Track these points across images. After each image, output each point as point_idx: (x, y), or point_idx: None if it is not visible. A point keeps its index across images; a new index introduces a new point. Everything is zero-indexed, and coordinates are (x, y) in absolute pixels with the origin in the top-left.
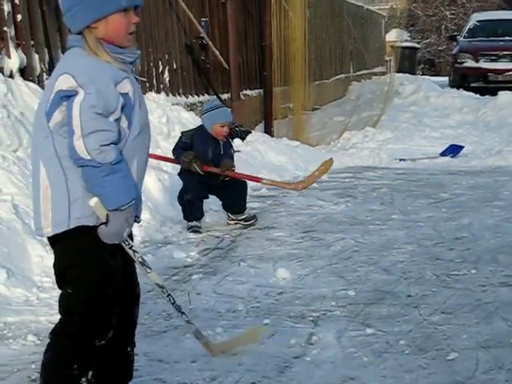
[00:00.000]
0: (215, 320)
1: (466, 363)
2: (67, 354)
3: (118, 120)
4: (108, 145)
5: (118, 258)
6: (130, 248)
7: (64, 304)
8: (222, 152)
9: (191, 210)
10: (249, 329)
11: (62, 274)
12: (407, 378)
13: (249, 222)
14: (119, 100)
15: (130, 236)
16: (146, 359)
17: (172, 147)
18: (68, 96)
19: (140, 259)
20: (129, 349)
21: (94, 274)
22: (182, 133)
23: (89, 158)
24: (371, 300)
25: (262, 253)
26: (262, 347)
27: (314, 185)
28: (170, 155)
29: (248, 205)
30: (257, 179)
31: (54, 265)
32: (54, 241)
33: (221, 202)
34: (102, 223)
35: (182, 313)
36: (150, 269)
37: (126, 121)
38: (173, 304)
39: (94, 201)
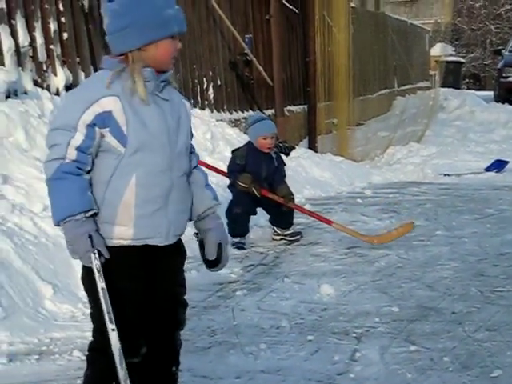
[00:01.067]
0: (259, 336)
1: (511, 380)
2: (102, 370)
3: (103, 136)
4: (52, 160)
5: (130, 280)
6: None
7: (91, 321)
8: (276, 168)
9: (238, 226)
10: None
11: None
12: None
13: (294, 238)
14: (79, 117)
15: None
16: (189, 375)
17: (215, 162)
18: None
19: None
20: (174, 368)
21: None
22: (234, 154)
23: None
24: (415, 316)
25: (306, 269)
26: (305, 363)
27: (358, 200)
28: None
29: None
30: (327, 221)
31: None
32: None
33: (267, 217)
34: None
35: None
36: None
37: (112, 137)
38: None
39: None
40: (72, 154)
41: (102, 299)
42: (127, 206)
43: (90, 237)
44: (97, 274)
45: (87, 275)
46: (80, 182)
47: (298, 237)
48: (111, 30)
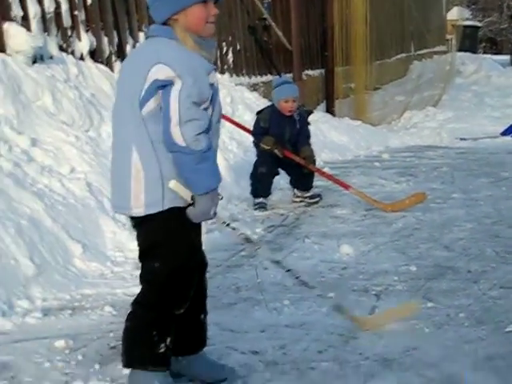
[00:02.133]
0: (282, 293)
1: None
2: (148, 322)
3: (207, 109)
4: (201, 133)
5: (200, 236)
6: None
7: (148, 276)
8: (299, 130)
9: (261, 186)
10: (401, 304)
11: (149, 249)
12: (466, 348)
13: (314, 200)
14: (210, 90)
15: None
16: (217, 329)
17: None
18: (163, 85)
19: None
20: (202, 316)
21: (182, 251)
22: (258, 116)
23: (184, 144)
24: (432, 275)
25: (326, 230)
26: (327, 318)
27: (376, 163)
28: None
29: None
30: (344, 185)
31: (140, 240)
32: (143, 220)
33: (288, 179)
34: (190, 204)
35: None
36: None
37: (211, 109)
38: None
39: (172, 183)
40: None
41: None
42: None
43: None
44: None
45: (169, 236)
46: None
47: (317, 199)
48: (148, 3)
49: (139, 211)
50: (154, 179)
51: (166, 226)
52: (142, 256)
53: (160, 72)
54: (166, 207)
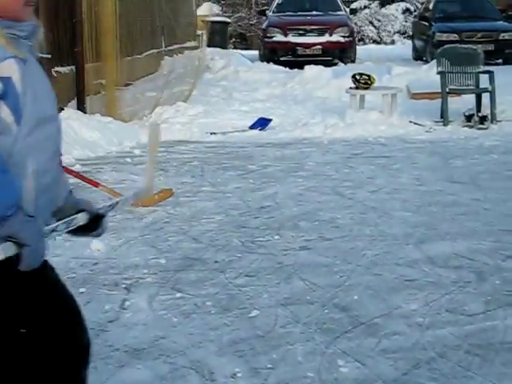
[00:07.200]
0: None
1: (266, 319)
2: None
3: None
4: None
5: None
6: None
7: None
8: None
9: None
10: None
11: None
12: (212, 334)
13: None
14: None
15: None
16: None
17: None
18: None
19: None
20: None
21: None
22: None
23: None
24: (181, 267)
25: None
26: None
27: (127, 159)
28: None
29: None
30: (94, 183)
31: None
32: None
33: None
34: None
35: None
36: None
37: (9, 111)
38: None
39: None
40: None
41: None
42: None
43: None
44: None
45: None
46: None
47: None
48: None
49: None
50: None
51: None
52: None
53: None
54: None
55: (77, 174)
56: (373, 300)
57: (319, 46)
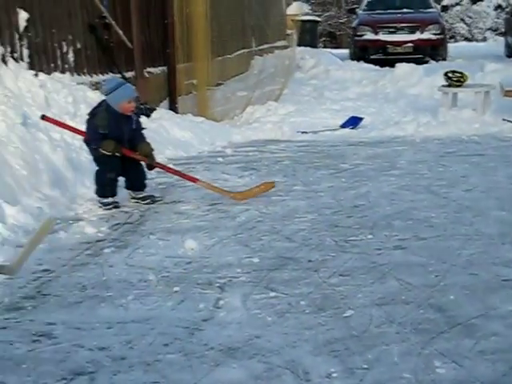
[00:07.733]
0: (128, 290)
1: (361, 319)
2: None
3: None
4: None
5: None
6: None
7: None
8: (134, 126)
9: (110, 189)
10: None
11: None
12: (307, 334)
13: (145, 202)
14: None
15: None
16: (63, 327)
17: (77, 126)
18: None
19: None
20: None
21: None
22: (94, 122)
23: None
24: (274, 266)
25: (170, 226)
26: (172, 312)
27: (219, 159)
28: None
29: (156, 180)
30: (192, 179)
31: None
32: None
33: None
34: None
35: None
36: None
37: None
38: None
39: None
40: None
41: None
42: None
43: None
44: None
45: None
46: None
47: (148, 200)
48: None
49: None
50: None
51: None
52: None
53: None
54: None
55: (174, 171)
56: (469, 300)
57: (410, 44)
